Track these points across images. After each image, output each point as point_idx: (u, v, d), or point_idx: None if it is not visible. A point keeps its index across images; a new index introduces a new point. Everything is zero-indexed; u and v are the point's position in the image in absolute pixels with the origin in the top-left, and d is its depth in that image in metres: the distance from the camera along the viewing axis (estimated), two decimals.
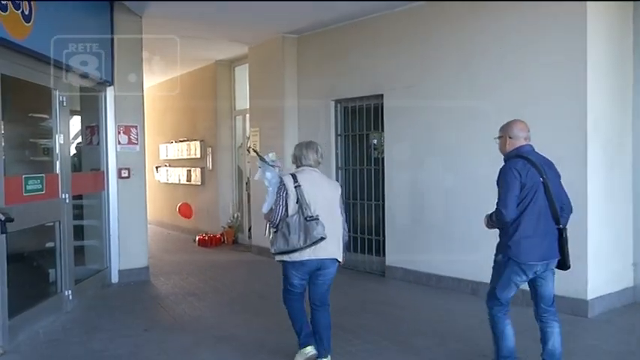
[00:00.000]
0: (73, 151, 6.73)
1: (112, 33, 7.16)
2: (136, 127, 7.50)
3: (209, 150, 11.27)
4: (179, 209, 10.79)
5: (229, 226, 10.79)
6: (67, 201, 6.13)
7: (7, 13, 4.87)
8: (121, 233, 7.42)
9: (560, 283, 5.73)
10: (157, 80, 12.37)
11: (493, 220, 3.95)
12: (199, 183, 11.57)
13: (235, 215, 10.79)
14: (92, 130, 7.43)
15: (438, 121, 6.80)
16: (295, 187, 4.20)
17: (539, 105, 5.87)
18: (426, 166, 6.97)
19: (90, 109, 7.30)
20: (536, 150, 4.08)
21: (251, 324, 5.62)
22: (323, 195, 4.26)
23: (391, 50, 7.34)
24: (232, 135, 11.04)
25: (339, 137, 8.30)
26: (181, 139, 12.23)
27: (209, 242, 10.54)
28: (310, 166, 4.38)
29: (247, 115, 10.16)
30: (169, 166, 12.83)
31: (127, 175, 7.43)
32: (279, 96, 8.86)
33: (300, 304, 4.43)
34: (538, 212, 3.87)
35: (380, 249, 7.75)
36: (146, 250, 7.74)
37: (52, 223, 6.00)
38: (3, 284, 4.85)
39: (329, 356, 4.38)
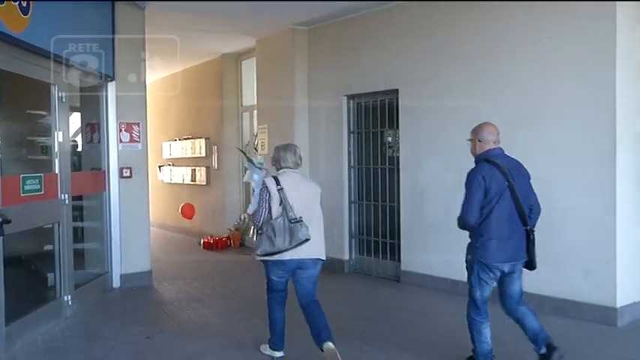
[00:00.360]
0: (72, 149, 6.70)
1: (113, 27, 7.14)
2: (138, 124, 7.47)
3: (215, 148, 11.24)
4: (181, 209, 10.76)
5: (236, 229, 10.74)
6: (67, 202, 6.10)
7: (4, 4, 4.84)
8: (123, 236, 7.39)
9: (587, 290, 5.68)
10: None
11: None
12: (204, 183, 11.55)
13: (242, 217, 10.75)
14: (93, 128, 7.40)
15: (458, 118, 6.71)
16: (278, 190, 4.53)
17: (565, 98, 5.77)
18: (445, 166, 6.89)
19: (90, 106, 7.28)
20: (506, 153, 4.37)
21: (260, 331, 5.55)
22: (304, 196, 4.60)
23: (407, 42, 7.27)
24: (239, 132, 11.01)
25: (351, 134, 8.24)
26: (185, 137, 12.21)
27: (215, 245, 10.50)
28: (290, 167, 4.71)
29: (255, 112, 10.12)
30: (173, 165, 12.81)
31: (128, 174, 7.40)
32: (288, 91, 8.82)
33: (281, 308, 4.80)
34: (504, 215, 4.18)
35: (395, 253, 7.69)
36: (149, 253, 7.71)
37: (50, 225, 5.97)
38: (0, 289, 4.81)
39: (332, 338, 4.50)
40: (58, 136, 5.98)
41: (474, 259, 4.31)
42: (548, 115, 5.92)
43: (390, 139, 7.89)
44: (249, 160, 4.87)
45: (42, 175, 5.67)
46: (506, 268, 4.26)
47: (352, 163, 8.28)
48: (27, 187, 5.37)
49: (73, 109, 6.77)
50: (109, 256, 7.36)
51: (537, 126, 5.96)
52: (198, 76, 11.74)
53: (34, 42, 5.33)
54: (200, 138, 11.68)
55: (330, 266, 8.39)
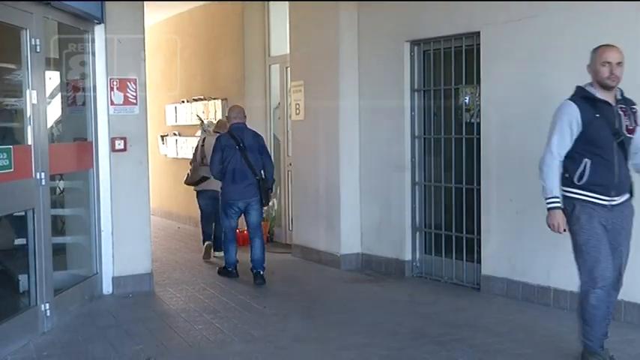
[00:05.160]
0: (50, 114, 6.79)
1: None
2: (134, 80, 7.53)
3: None
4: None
5: (263, 219, 10.78)
6: (44, 182, 6.18)
7: None
8: (116, 227, 7.49)
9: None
10: (162, 16, 12.44)
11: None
12: None
13: (270, 203, 10.77)
14: (76, 86, 7.49)
15: (561, 69, 6.58)
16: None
17: None
18: (543, 134, 6.73)
19: (73, 57, 7.35)
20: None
21: (292, 353, 5.60)
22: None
23: None
24: (266, 91, 11.01)
25: (415, 93, 8.18)
26: (196, 98, 12.28)
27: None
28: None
29: (287, 65, 10.09)
30: (179, 135, 12.92)
31: (122, 147, 7.48)
32: (332, 35, 8.79)
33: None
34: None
35: (474, 252, 7.63)
36: (149, 250, 7.81)
37: (22, 213, 6.06)
38: None
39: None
40: (32, 97, 6.03)
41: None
42: None
43: (468, 99, 7.80)
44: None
45: (10, 147, 5.74)
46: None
47: (416, 132, 8.21)
48: None
49: (51, 61, 6.85)
50: (97, 254, 7.46)
51: None
52: (212, 16, 11.75)
53: None
54: (215, 99, 11.73)
55: (387, 268, 8.44)
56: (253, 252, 8.11)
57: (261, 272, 8.08)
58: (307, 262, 9.21)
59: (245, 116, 8.34)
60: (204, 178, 9.20)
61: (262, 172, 8.10)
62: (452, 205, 7.87)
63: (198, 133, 9.00)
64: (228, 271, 8.39)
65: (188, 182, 9.71)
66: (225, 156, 7.94)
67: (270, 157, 8.42)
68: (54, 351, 5.70)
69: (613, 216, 4.93)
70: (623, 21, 6.17)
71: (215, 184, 8.62)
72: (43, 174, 6.16)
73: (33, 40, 6.05)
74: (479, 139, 7.46)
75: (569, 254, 6.58)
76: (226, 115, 8.97)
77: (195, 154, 9.63)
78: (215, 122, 10.05)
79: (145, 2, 7.65)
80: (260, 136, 8.38)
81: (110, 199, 7.46)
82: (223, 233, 8.61)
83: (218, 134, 8.66)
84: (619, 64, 4.95)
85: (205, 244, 9.63)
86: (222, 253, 8.93)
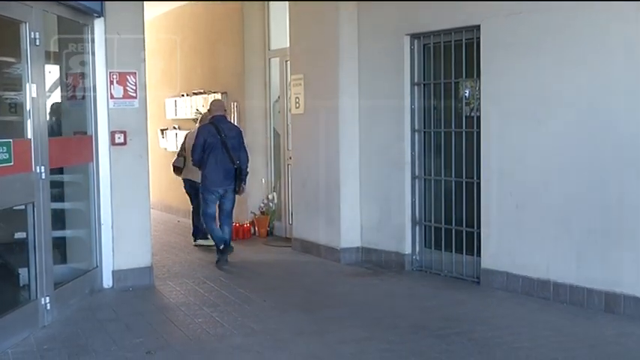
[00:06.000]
0: (50, 108, 6.79)
1: None
2: (134, 74, 7.52)
3: (234, 106, 11.26)
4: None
5: (262, 212, 10.80)
6: (44, 176, 6.19)
7: None
8: (116, 221, 7.50)
9: None
10: (162, 9, 12.42)
11: None
12: None
13: (270, 197, 10.79)
14: (76, 80, 7.48)
15: (561, 62, 6.59)
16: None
17: None
18: (543, 127, 6.78)
19: (72, 51, 7.34)
20: None
21: (292, 347, 5.61)
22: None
23: None
24: (266, 85, 11.00)
25: (415, 87, 8.17)
26: (196, 92, 12.27)
27: (235, 234, 10.55)
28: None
29: (287, 58, 10.09)
30: (179, 128, 12.91)
31: (122, 140, 7.48)
32: (332, 29, 8.78)
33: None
34: None
35: (474, 246, 7.64)
36: (149, 243, 7.82)
37: (22, 207, 6.07)
38: None
39: None
40: (31, 90, 6.04)
41: None
42: None
43: (467, 92, 7.80)
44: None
45: (10, 141, 5.74)
46: None
47: (416, 126, 8.21)
48: None
49: (50, 55, 6.84)
50: (97, 248, 7.47)
51: None
52: (212, 10, 11.73)
53: None
54: (215, 93, 11.72)
55: (387, 262, 8.44)
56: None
57: (223, 247, 8.84)
58: (307, 256, 9.21)
59: (225, 110, 9.18)
60: (177, 169, 10.03)
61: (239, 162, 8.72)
62: (452, 198, 7.87)
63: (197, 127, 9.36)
64: (220, 250, 8.79)
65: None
66: (207, 145, 8.56)
67: (246, 149, 8.96)
68: (54, 344, 5.72)
69: None
70: (624, 14, 6.16)
71: (192, 174, 9.39)
72: (42, 168, 6.17)
73: (32, 33, 6.04)
74: (479, 133, 7.46)
75: (569, 248, 6.63)
76: (208, 108, 9.48)
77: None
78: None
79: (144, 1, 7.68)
80: (239, 128, 9.14)
81: (110, 193, 7.46)
82: (202, 218, 9.05)
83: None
84: None
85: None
86: (204, 242, 9.75)
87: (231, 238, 9.01)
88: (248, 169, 8.95)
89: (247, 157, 8.88)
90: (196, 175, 9.16)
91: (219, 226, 8.88)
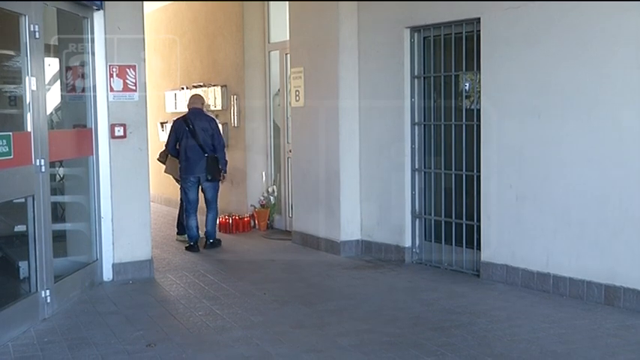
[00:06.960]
0: (49, 101, 6.79)
1: None
2: (134, 67, 7.52)
3: (234, 99, 11.26)
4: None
5: (262, 205, 10.81)
6: (43, 169, 6.20)
7: None
8: (116, 214, 7.51)
9: None
10: (162, 2, 12.41)
11: None
12: None
13: (270, 190, 10.80)
14: (75, 73, 7.48)
15: (561, 55, 6.59)
16: None
17: None
18: (543, 120, 6.78)
19: (72, 44, 7.35)
20: None
21: (291, 339, 5.63)
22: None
23: None
24: (266, 78, 11.00)
25: (415, 80, 8.17)
26: (196, 85, 12.27)
27: (234, 227, 10.59)
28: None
29: (287, 51, 10.08)
30: None
31: (122, 133, 7.48)
32: (332, 22, 8.77)
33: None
34: None
35: (473, 239, 7.64)
36: (149, 236, 7.83)
37: (22, 200, 6.08)
38: None
39: None
40: (31, 83, 6.04)
41: None
42: None
43: (468, 85, 7.79)
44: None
45: (10, 134, 5.75)
46: None
47: (416, 119, 8.21)
48: None
49: (50, 48, 6.83)
50: (97, 241, 7.48)
51: None
52: (211, 2, 11.71)
53: None
54: (215, 86, 11.72)
55: (387, 255, 8.45)
56: (206, 224, 9.47)
57: (212, 240, 9.45)
58: (307, 249, 9.23)
59: (202, 103, 9.71)
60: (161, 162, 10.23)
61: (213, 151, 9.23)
62: (452, 191, 7.88)
63: None
64: (191, 246, 9.34)
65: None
66: (178, 136, 9.26)
67: (222, 139, 9.49)
68: (54, 337, 5.74)
69: None
70: (624, 6, 6.15)
71: (170, 170, 9.93)
72: (42, 161, 6.17)
73: (32, 26, 6.04)
74: (479, 126, 7.46)
75: (568, 241, 6.64)
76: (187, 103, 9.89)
77: None
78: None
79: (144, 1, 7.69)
80: (214, 120, 9.70)
81: (110, 186, 7.47)
82: (184, 211, 9.58)
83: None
84: None
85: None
86: (182, 237, 9.92)
87: (217, 230, 9.64)
88: (226, 158, 9.49)
89: (222, 145, 9.37)
90: (175, 172, 9.66)
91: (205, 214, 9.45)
